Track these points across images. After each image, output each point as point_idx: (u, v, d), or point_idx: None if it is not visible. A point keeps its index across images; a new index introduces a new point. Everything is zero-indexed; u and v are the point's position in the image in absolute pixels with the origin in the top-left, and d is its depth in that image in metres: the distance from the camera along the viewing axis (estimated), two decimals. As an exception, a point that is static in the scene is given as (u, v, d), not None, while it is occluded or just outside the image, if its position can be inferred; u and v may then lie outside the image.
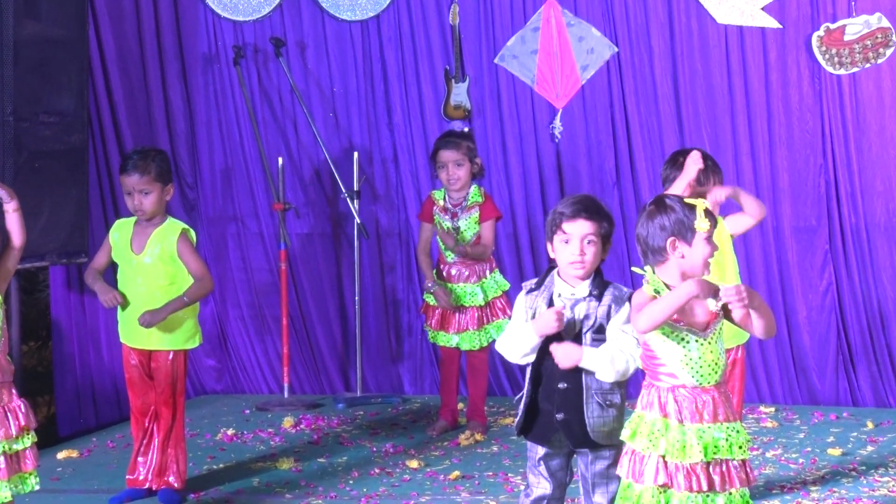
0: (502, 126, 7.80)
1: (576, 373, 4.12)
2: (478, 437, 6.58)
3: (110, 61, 7.74)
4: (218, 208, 8.07)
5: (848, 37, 7.30)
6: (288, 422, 6.99)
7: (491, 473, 5.92)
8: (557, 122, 7.71)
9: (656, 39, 7.57)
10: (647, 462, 3.85)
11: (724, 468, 3.84)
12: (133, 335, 5.56)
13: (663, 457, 3.83)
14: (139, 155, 5.59)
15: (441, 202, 6.79)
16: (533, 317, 4.17)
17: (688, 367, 3.87)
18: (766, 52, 7.45)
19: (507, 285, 6.78)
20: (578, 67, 7.66)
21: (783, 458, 6.10)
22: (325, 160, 7.73)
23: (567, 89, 7.69)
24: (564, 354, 4.09)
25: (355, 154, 7.70)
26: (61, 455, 6.45)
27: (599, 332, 4.11)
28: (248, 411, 7.45)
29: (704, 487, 3.81)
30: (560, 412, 4.15)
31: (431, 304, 6.79)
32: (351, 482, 5.82)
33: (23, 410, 4.42)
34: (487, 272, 6.75)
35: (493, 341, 6.45)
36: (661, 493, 3.84)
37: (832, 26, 7.32)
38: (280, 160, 7.76)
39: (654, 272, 3.93)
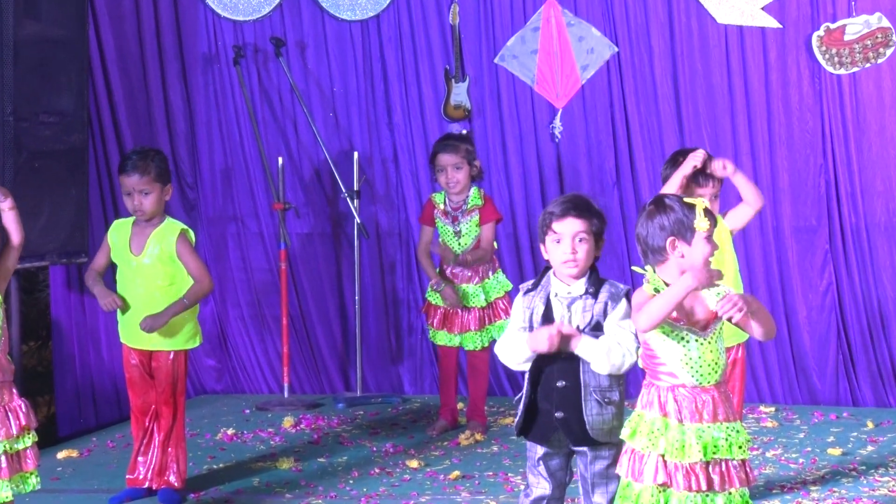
0: (502, 126, 7.80)
1: (573, 371, 4.12)
2: (478, 437, 6.58)
3: (110, 61, 7.74)
4: (218, 208, 8.07)
5: (848, 37, 7.30)
6: (288, 421, 6.99)
7: (491, 473, 5.93)
8: (557, 122, 7.71)
9: (656, 39, 7.57)
10: (646, 461, 3.86)
11: (723, 468, 3.84)
12: (133, 336, 5.56)
13: (663, 456, 3.84)
14: (138, 155, 5.59)
15: (441, 205, 6.79)
16: (530, 318, 4.18)
17: (687, 366, 3.87)
18: (766, 52, 7.45)
19: (509, 286, 6.77)
20: (578, 67, 7.66)
21: (783, 458, 6.10)
22: (325, 160, 7.73)
23: (567, 89, 7.69)
24: (562, 340, 4.09)
25: (355, 154, 7.70)
26: (61, 455, 6.45)
27: (596, 330, 4.11)
28: (248, 411, 7.45)
29: (703, 487, 3.82)
30: (559, 411, 4.15)
31: (434, 303, 6.79)
32: (351, 482, 5.82)
33: (23, 410, 4.42)
34: (490, 273, 6.75)
35: (495, 342, 6.45)
36: (660, 492, 3.84)
37: (832, 26, 7.32)
38: (280, 160, 7.77)
39: (654, 272, 3.93)
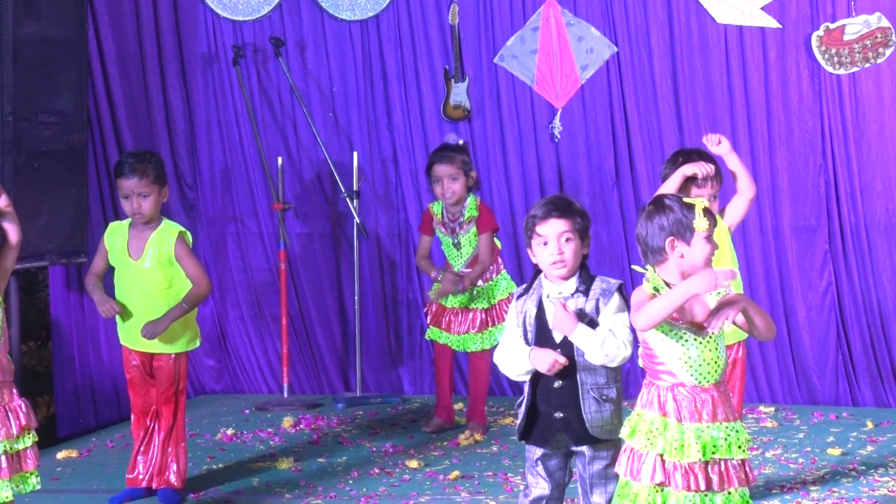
0: (502, 126, 7.79)
1: (570, 370, 4.13)
2: (477, 437, 6.58)
3: (110, 61, 7.74)
4: (217, 208, 8.07)
5: (847, 37, 7.30)
6: (287, 422, 6.99)
7: (490, 473, 5.93)
8: (557, 122, 7.71)
9: (656, 39, 7.57)
10: (644, 460, 3.86)
11: (722, 468, 3.85)
12: (134, 338, 5.56)
13: (661, 455, 3.84)
14: (135, 158, 5.58)
15: (439, 216, 6.80)
16: (524, 322, 4.20)
17: (687, 365, 3.87)
18: (765, 52, 7.44)
19: (513, 287, 6.76)
20: (578, 67, 7.66)
21: (783, 458, 6.10)
22: (324, 160, 7.73)
23: (566, 89, 7.69)
24: (560, 320, 4.09)
25: (355, 154, 7.70)
26: (61, 455, 6.45)
27: (590, 327, 4.11)
28: (247, 411, 7.45)
29: (702, 487, 3.82)
30: (558, 411, 4.16)
31: (439, 302, 6.78)
32: (351, 482, 5.82)
33: (24, 410, 4.42)
34: (494, 275, 6.76)
35: (496, 344, 6.45)
36: (657, 491, 3.84)
37: (832, 26, 7.32)
38: (280, 160, 7.77)
39: (654, 271, 3.93)
